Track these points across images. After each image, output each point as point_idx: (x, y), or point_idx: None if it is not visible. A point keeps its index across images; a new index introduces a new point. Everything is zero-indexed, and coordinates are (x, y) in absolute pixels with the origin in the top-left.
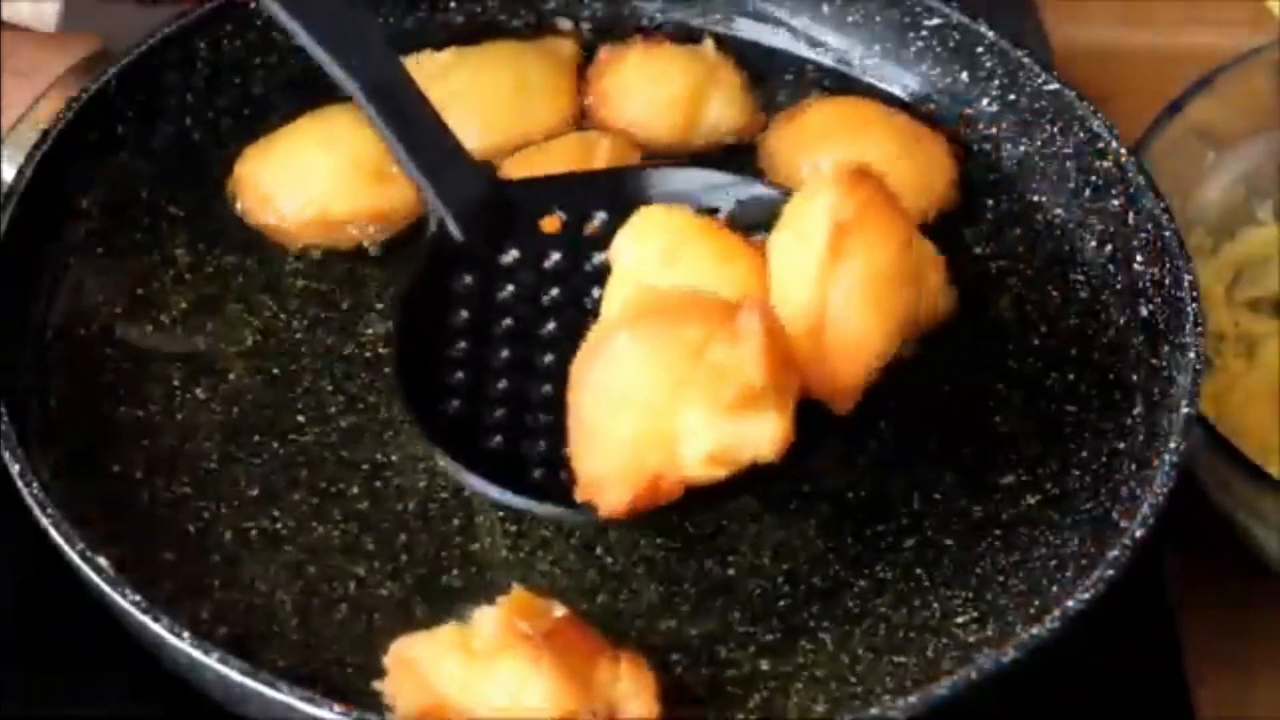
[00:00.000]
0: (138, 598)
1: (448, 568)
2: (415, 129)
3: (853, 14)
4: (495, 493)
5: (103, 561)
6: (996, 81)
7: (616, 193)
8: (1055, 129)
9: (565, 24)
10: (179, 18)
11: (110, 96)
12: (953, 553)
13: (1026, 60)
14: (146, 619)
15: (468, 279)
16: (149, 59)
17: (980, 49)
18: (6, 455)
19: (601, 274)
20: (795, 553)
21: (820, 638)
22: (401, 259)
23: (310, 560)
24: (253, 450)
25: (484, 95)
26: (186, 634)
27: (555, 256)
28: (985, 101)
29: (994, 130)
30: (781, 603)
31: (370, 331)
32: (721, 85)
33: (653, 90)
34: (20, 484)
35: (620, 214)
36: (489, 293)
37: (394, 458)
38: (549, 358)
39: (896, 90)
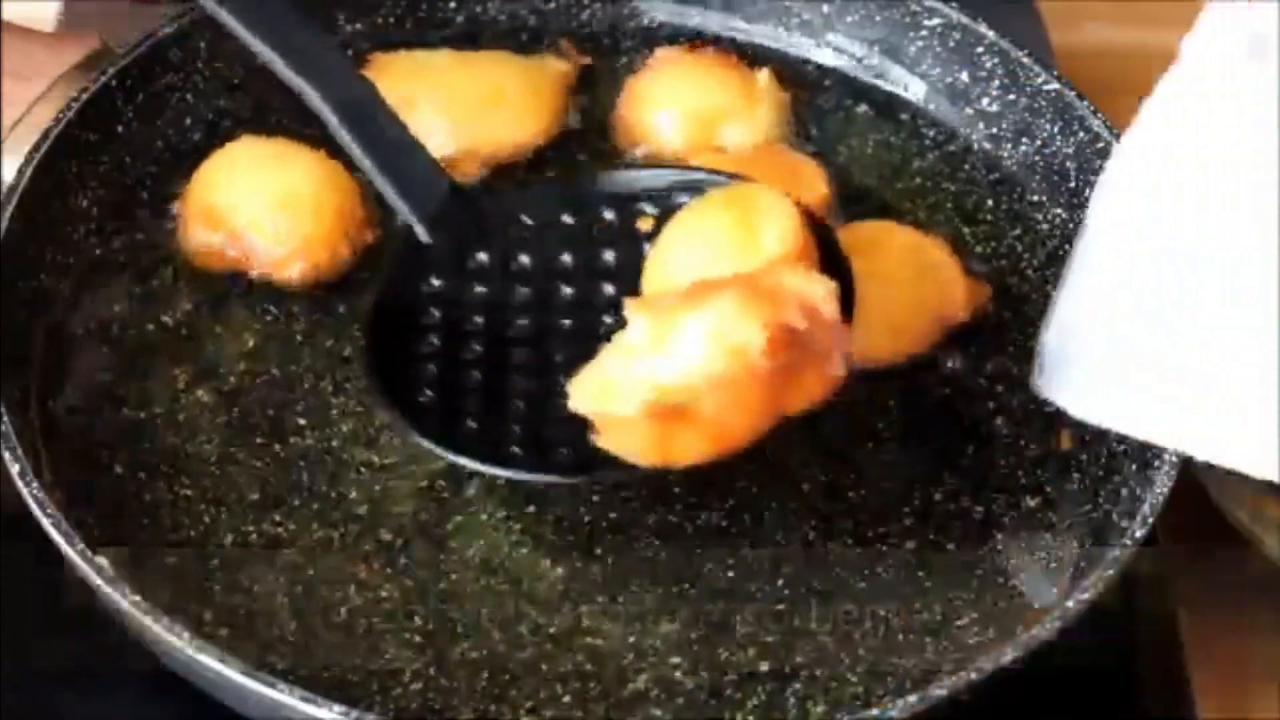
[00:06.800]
0: (138, 598)
1: (447, 570)
2: (383, 142)
3: (852, 14)
4: (479, 466)
5: (103, 561)
6: (996, 81)
7: (580, 195)
8: (1055, 129)
9: (561, 40)
10: (179, 18)
11: (110, 96)
12: (953, 554)
13: (1026, 60)
14: (147, 619)
15: (437, 282)
16: (149, 59)
17: (980, 49)
18: (6, 455)
19: (567, 274)
20: (795, 554)
21: (820, 639)
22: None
23: (310, 562)
24: (253, 452)
25: (456, 100)
26: (186, 634)
27: (523, 258)
28: (985, 101)
29: (994, 130)
30: (781, 604)
31: None
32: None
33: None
34: (20, 484)
35: (581, 216)
36: (458, 293)
37: (394, 460)
38: (520, 351)
39: (897, 90)
